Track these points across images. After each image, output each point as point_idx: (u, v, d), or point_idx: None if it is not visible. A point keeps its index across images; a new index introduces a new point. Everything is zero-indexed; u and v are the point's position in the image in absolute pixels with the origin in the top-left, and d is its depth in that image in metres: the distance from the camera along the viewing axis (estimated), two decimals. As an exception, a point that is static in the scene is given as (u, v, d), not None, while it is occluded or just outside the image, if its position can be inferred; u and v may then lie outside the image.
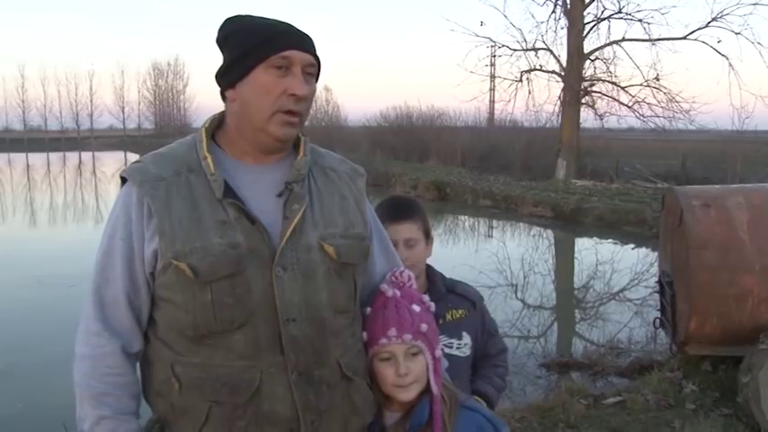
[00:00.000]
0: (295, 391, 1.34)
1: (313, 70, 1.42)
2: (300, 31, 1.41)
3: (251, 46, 1.35)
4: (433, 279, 2.02)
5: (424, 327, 1.52)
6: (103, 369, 1.35)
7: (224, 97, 1.44)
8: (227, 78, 1.40)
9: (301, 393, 1.35)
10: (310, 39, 1.42)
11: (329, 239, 1.41)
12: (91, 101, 77.39)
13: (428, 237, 2.01)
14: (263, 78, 1.35)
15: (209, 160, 1.37)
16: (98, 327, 1.36)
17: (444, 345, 1.89)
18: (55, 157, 48.36)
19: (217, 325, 1.31)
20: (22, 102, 76.47)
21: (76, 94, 78.38)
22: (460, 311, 1.99)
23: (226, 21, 1.43)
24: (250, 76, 1.36)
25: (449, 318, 1.97)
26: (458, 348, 1.96)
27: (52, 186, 27.51)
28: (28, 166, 39.95)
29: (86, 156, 50.48)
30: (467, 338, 1.98)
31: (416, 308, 1.54)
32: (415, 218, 1.97)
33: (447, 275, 2.10)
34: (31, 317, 7.60)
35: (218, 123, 1.47)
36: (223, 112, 1.48)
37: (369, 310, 1.55)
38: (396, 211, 1.95)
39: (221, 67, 1.42)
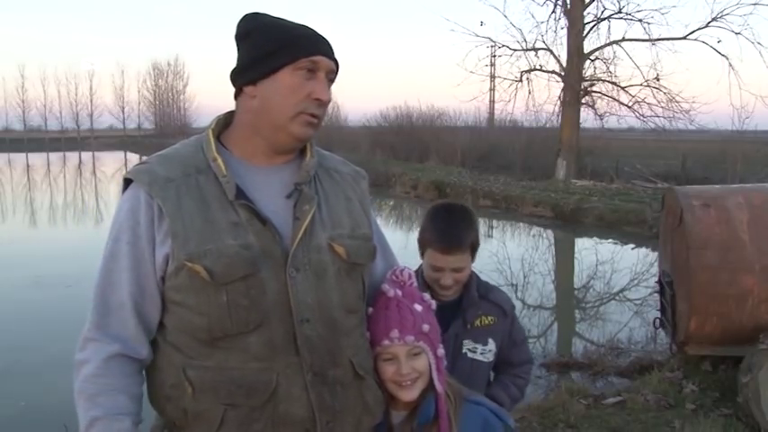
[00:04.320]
0: (311, 392, 1.34)
1: (333, 77, 1.43)
2: (325, 38, 1.42)
3: (279, 46, 1.35)
4: (467, 285, 1.96)
5: (425, 327, 1.53)
6: (95, 371, 1.31)
7: (238, 93, 1.43)
8: (248, 74, 1.39)
9: (317, 394, 1.35)
10: (332, 46, 1.43)
11: (338, 240, 1.42)
12: (91, 101, 77.52)
13: (475, 251, 1.95)
14: (290, 80, 1.36)
15: (220, 161, 1.36)
16: (95, 333, 1.34)
17: (468, 349, 1.91)
18: (55, 157, 48.30)
19: (232, 327, 1.30)
20: (22, 102, 76.61)
21: (76, 94, 78.61)
22: (490, 318, 1.96)
23: (246, 17, 1.43)
24: (276, 76, 1.36)
25: (477, 324, 1.94)
26: (481, 354, 1.94)
27: (52, 186, 27.49)
28: (28, 166, 39.92)
29: (86, 156, 50.43)
30: (492, 345, 1.96)
31: (418, 307, 1.55)
32: (465, 247, 1.89)
33: None
34: (30, 317, 7.60)
35: (223, 124, 1.46)
36: (229, 113, 1.47)
37: (370, 310, 1.55)
38: (447, 243, 1.86)
39: (242, 62, 1.40)
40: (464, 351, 1.91)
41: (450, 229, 1.89)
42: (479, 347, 1.93)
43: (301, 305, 1.34)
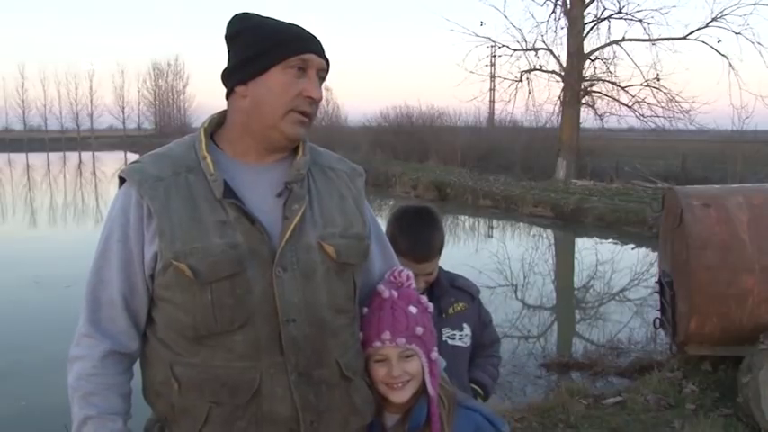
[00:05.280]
0: (295, 392, 1.34)
1: (324, 75, 1.44)
2: (316, 36, 1.43)
3: (269, 45, 1.36)
4: (436, 276, 2.05)
5: (419, 330, 1.51)
6: (91, 370, 1.34)
7: (229, 93, 1.43)
8: (238, 74, 1.39)
9: (301, 393, 1.35)
10: (322, 44, 1.44)
11: (329, 239, 1.41)
12: (91, 101, 77.57)
13: (442, 250, 2.03)
14: (281, 78, 1.36)
15: (209, 160, 1.37)
16: (88, 329, 1.36)
17: (448, 336, 2.00)
18: (55, 157, 48.31)
19: (217, 325, 1.31)
20: (22, 102, 76.68)
21: (76, 94, 78.75)
22: (461, 304, 2.06)
23: (236, 17, 1.43)
24: (267, 75, 1.37)
25: (451, 311, 2.04)
26: (460, 339, 2.03)
27: (52, 186, 27.49)
28: (28, 166, 39.92)
29: (86, 156, 50.45)
30: (467, 330, 2.06)
31: (413, 309, 1.53)
32: (436, 252, 1.98)
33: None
34: (30, 317, 7.60)
35: (216, 123, 1.47)
36: (222, 112, 1.48)
37: (365, 310, 1.54)
38: (421, 252, 1.94)
39: (233, 62, 1.41)
40: (444, 339, 1.99)
41: (422, 238, 1.96)
42: (457, 333, 2.03)
43: (287, 305, 1.34)
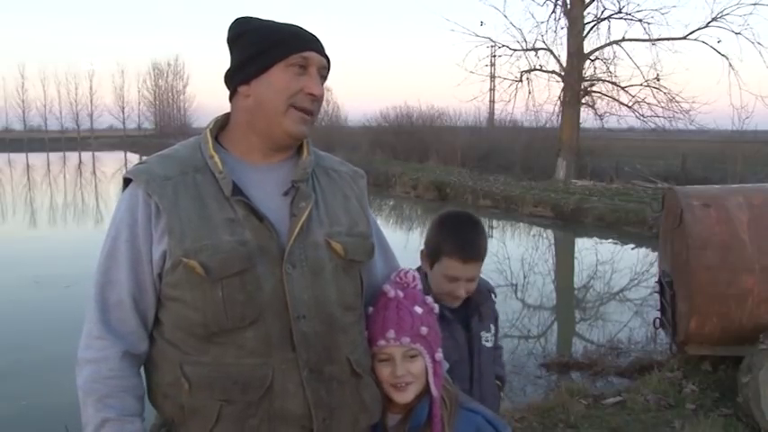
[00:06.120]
0: (307, 388, 1.35)
1: (325, 73, 1.45)
2: (316, 36, 1.45)
3: (270, 44, 1.38)
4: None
5: (424, 330, 1.52)
6: (106, 372, 1.34)
7: (232, 94, 1.45)
8: (241, 74, 1.41)
9: (313, 390, 1.36)
10: (323, 44, 1.46)
11: (335, 237, 1.43)
12: (91, 101, 77.57)
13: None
14: (282, 76, 1.38)
15: (217, 159, 1.38)
16: (100, 330, 1.35)
17: (485, 340, 1.98)
18: (55, 157, 48.31)
19: (228, 322, 1.32)
20: (22, 102, 76.70)
21: (76, 94, 78.78)
22: (488, 306, 2.04)
23: (237, 21, 1.46)
24: (268, 73, 1.38)
25: (485, 315, 2.01)
26: (491, 341, 2.02)
27: (52, 186, 27.49)
28: (28, 166, 39.91)
29: (86, 156, 50.44)
30: (493, 329, 2.04)
31: (418, 309, 1.54)
32: (482, 256, 1.90)
33: None
34: (30, 317, 7.60)
35: (220, 125, 1.49)
36: (226, 114, 1.49)
37: (370, 309, 1.55)
38: (469, 253, 1.85)
39: (235, 63, 1.43)
40: (483, 343, 1.97)
41: (470, 239, 1.88)
42: (489, 335, 2.01)
43: (297, 301, 1.35)
